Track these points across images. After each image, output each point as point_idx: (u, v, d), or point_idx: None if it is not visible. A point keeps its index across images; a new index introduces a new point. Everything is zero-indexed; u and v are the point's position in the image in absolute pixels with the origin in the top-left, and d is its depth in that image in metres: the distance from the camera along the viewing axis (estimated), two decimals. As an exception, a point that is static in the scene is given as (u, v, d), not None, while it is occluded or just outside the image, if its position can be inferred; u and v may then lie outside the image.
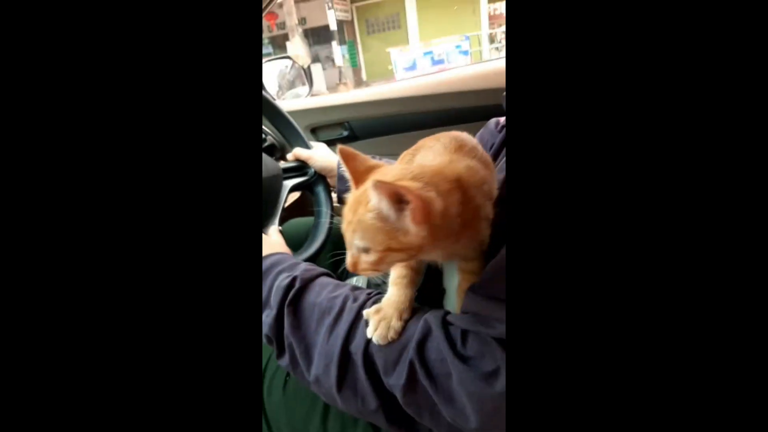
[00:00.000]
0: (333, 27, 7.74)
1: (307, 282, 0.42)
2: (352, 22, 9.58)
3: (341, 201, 0.64)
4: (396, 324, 0.36)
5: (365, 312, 0.37)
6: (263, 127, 0.82)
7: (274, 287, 0.42)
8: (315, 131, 1.09)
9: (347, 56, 9.00)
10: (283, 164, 0.70)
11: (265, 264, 0.45)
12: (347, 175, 0.36)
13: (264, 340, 0.42)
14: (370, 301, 0.40)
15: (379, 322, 0.36)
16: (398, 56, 7.11)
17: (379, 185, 0.29)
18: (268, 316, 0.41)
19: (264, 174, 0.59)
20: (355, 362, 0.36)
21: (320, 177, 0.71)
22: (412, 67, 6.88)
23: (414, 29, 9.16)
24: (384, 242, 0.32)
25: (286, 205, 0.66)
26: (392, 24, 9.54)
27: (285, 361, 0.41)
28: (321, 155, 0.72)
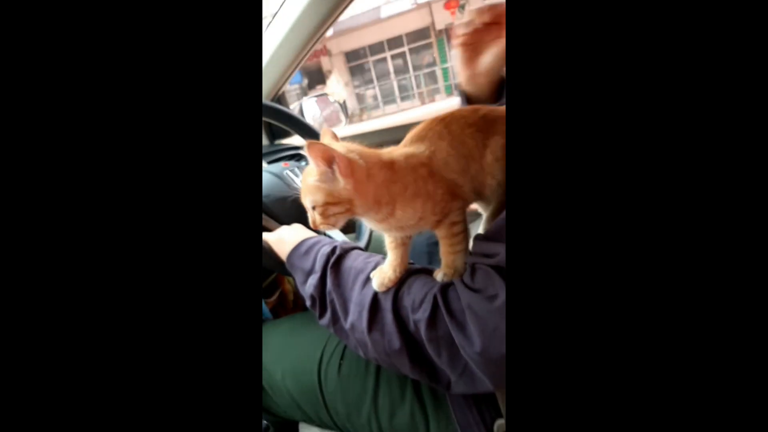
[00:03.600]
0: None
1: (346, 251, 0.52)
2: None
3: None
4: (390, 275, 0.45)
5: (372, 273, 0.47)
6: (292, 141, 0.93)
7: (318, 255, 0.52)
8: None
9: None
10: None
11: (309, 242, 0.55)
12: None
13: (309, 302, 0.51)
14: None
15: (378, 274, 0.46)
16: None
17: (311, 145, 0.38)
18: (313, 279, 0.50)
19: None
20: (384, 308, 0.44)
21: None
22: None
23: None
24: (323, 198, 0.41)
25: None
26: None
27: (326, 318, 0.49)
28: None
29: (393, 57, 10.17)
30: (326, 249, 0.52)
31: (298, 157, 0.89)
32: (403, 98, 10.49)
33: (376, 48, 10.09)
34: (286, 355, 0.61)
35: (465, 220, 0.45)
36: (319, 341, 0.60)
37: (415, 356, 0.42)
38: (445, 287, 0.42)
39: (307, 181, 0.42)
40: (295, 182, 0.72)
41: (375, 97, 10.64)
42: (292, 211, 0.68)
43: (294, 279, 0.55)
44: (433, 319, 0.40)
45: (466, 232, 0.45)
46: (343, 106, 1.08)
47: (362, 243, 0.72)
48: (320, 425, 0.60)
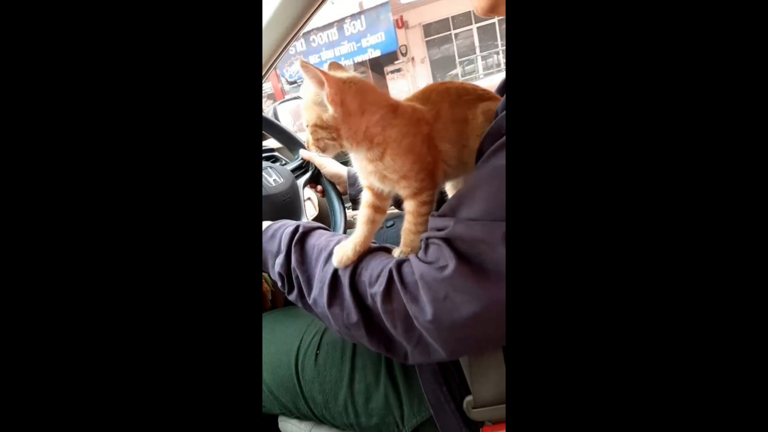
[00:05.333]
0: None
1: (309, 229, 0.53)
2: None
3: (354, 203, 0.74)
4: (350, 254, 0.46)
5: (335, 247, 0.48)
6: (267, 143, 0.96)
7: (282, 236, 0.53)
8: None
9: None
10: (289, 165, 0.84)
11: (275, 226, 0.55)
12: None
13: (279, 282, 0.52)
14: None
15: (339, 251, 0.47)
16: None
17: (304, 65, 0.40)
18: (279, 258, 0.51)
19: (285, 184, 0.75)
20: (343, 283, 0.46)
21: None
22: None
23: None
24: (313, 119, 0.43)
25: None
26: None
27: (294, 294, 0.51)
28: (331, 163, 0.85)
29: (479, 30, 9.16)
30: (289, 229, 0.53)
31: (273, 159, 0.91)
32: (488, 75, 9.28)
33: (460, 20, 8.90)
34: (264, 350, 0.62)
35: (434, 203, 0.47)
36: (295, 335, 0.61)
37: (371, 329, 0.44)
38: (401, 262, 0.43)
39: (305, 96, 0.43)
40: (268, 181, 0.73)
41: (454, 76, 9.68)
42: (265, 209, 0.70)
43: (267, 271, 0.56)
44: (388, 292, 0.42)
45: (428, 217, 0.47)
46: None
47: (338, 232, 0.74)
48: (298, 417, 0.61)
